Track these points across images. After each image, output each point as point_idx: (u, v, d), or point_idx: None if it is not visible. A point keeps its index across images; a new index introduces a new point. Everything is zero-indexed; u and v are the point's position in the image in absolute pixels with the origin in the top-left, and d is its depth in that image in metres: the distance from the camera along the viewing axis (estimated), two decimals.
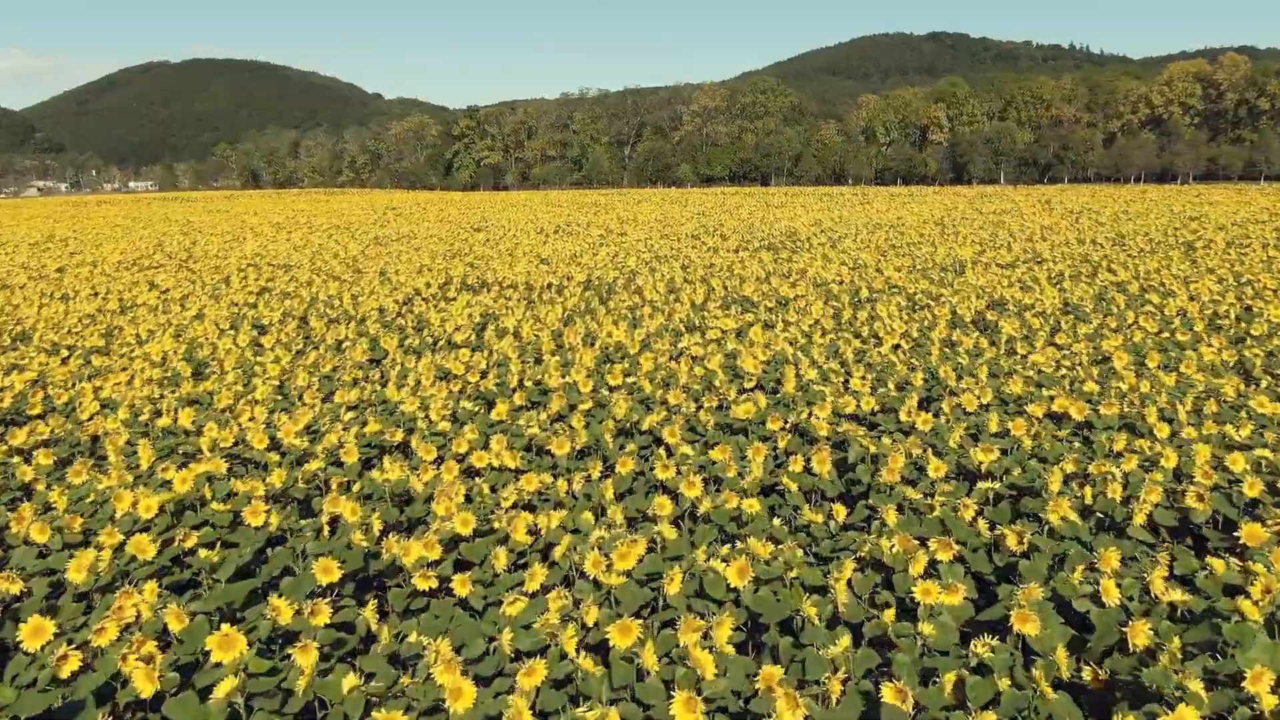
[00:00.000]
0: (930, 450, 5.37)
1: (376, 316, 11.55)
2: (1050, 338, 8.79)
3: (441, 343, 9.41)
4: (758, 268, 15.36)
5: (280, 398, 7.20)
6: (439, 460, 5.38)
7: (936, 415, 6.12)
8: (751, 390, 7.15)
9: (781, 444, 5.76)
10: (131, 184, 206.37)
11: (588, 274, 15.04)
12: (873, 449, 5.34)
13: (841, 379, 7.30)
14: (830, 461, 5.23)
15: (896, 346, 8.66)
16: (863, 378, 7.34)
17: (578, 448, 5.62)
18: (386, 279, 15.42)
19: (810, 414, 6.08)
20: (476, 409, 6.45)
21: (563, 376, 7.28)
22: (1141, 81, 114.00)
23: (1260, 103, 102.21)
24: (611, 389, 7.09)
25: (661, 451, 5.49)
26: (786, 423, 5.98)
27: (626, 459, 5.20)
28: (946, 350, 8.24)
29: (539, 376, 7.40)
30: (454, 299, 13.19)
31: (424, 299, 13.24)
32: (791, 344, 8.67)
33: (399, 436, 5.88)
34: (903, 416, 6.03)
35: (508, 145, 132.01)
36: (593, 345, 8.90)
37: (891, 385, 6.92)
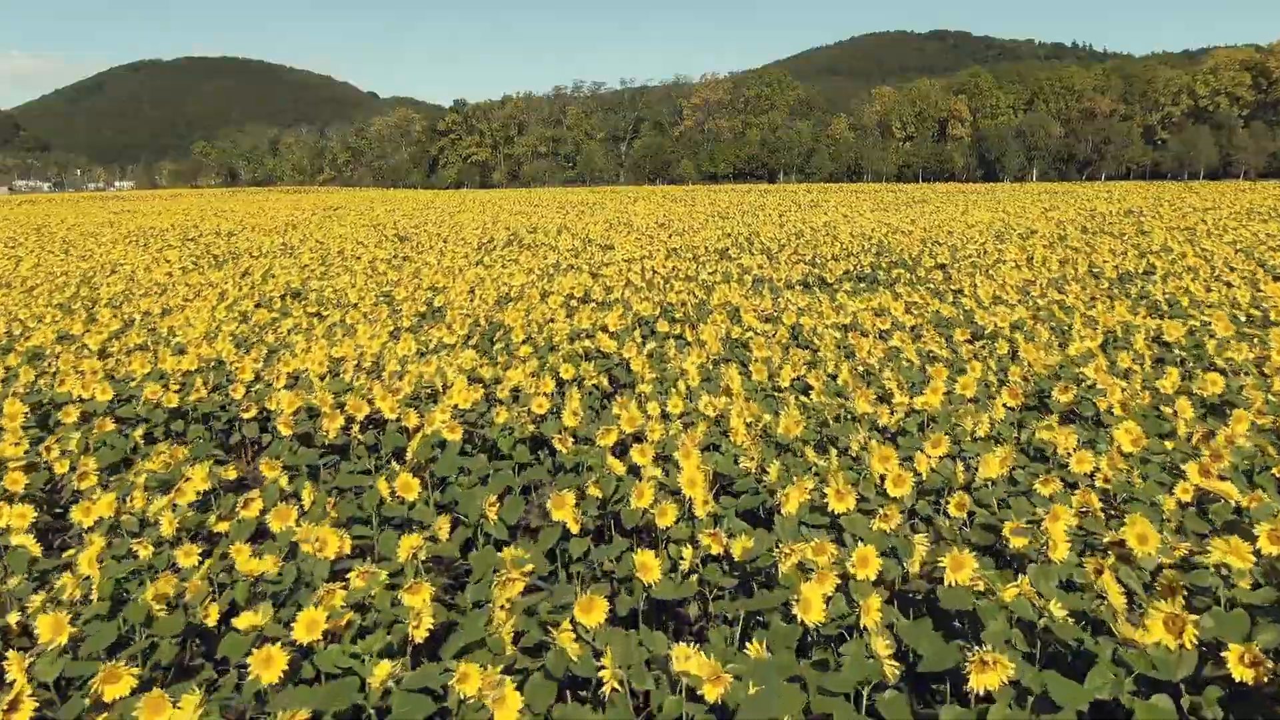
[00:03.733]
0: None
1: None
2: None
3: None
4: (943, 367, 6.07)
5: None
6: None
7: None
8: None
9: None
10: (116, 183, 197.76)
11: (495, 375, 5.77)
12: None
13: None
14: None
15: None
16: None
17: None
18: (12, 378, 6.16)
19: None
20: None
21: None
22: (1182, 70, 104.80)
23: None
24: None
25: None
26: None
27: None
28: None
29: None
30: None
31: None
32: None
33: None
34: None
35: (496, 141, 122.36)
36: None
37: None
